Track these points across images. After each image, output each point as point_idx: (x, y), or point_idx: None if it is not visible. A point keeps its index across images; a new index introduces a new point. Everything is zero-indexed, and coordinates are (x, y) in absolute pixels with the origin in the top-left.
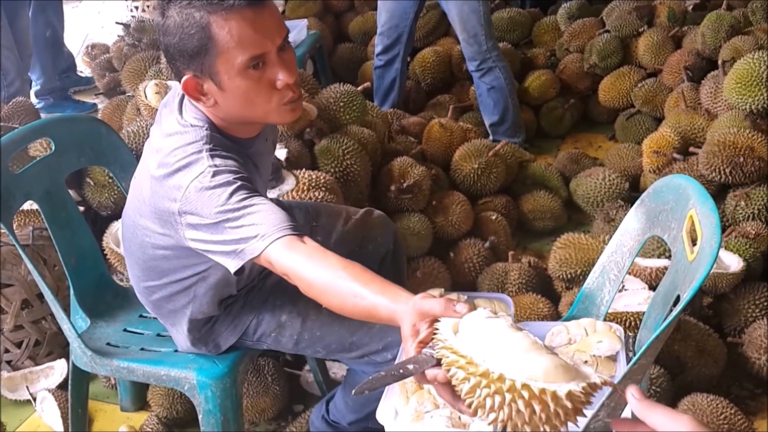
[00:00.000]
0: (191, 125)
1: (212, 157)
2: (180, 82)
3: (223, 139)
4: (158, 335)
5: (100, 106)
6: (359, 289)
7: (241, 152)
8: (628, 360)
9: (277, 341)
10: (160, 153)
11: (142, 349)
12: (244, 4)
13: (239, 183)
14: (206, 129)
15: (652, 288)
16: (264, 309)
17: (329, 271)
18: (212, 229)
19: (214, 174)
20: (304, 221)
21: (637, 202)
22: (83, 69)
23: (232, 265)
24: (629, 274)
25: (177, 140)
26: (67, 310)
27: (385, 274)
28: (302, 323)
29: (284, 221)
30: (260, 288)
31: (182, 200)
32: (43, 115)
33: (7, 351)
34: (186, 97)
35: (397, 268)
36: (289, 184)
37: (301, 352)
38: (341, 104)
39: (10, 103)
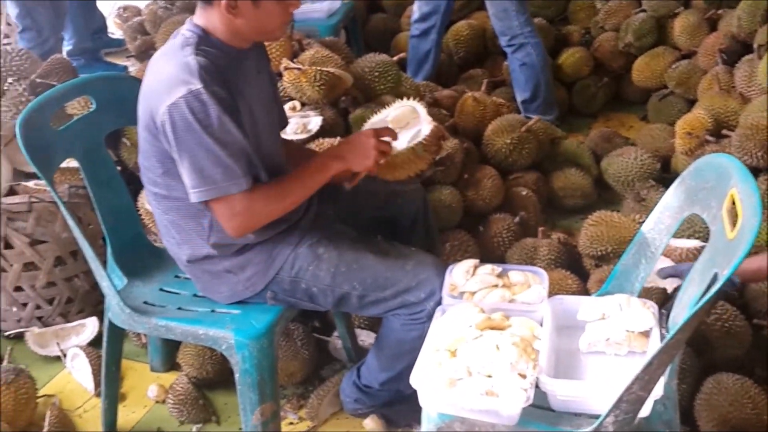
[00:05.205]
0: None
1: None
2: None
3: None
4: (194, 296)
5: (130, 69)
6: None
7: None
8: (662, 336)
9: (315, 276)
10: None
11: (179, 308)
12: None
13: None
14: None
15: None
16: (301, 244)
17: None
18: None
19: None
20: None
21: (678, 180)
22: (114, 31)
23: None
24: None
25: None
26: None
27: (418, 235)
28: (339, 255)
29: None
30: (295, 226)
31: None
32: None
33: (38, 307)
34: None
35: (428, 230)
36: (314, 123)
37: (338, 288)
38: (376, 74)
39: (48, 61)
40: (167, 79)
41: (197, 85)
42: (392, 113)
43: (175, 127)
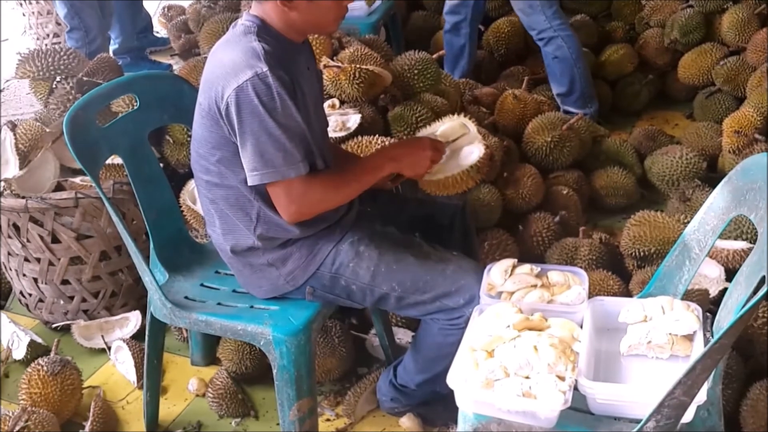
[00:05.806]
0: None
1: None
2: None
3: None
4: (234, 291)
5: (175, 67)
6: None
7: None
8: (706, 340)
9: (355, 273)
10: None
11: (218, 303)
12: None
13: None
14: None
15: (729, 270)
16: (342, 241)
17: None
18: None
19: None
20: None
21: (724, 179)
22: (159, 30)
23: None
24: None
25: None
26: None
27: (455, 235)
28: (379, 255)
29: None
30: (338, 224)
31: None
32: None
33: (84, 300)
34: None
35: (466, 230)
36: (353, 120)
37: (377, 287)
38: (415, 71)
39: (95, 59)
40: (232, 63)
41: (263, 68)
42: (441, 128)
43: (240, 109)
